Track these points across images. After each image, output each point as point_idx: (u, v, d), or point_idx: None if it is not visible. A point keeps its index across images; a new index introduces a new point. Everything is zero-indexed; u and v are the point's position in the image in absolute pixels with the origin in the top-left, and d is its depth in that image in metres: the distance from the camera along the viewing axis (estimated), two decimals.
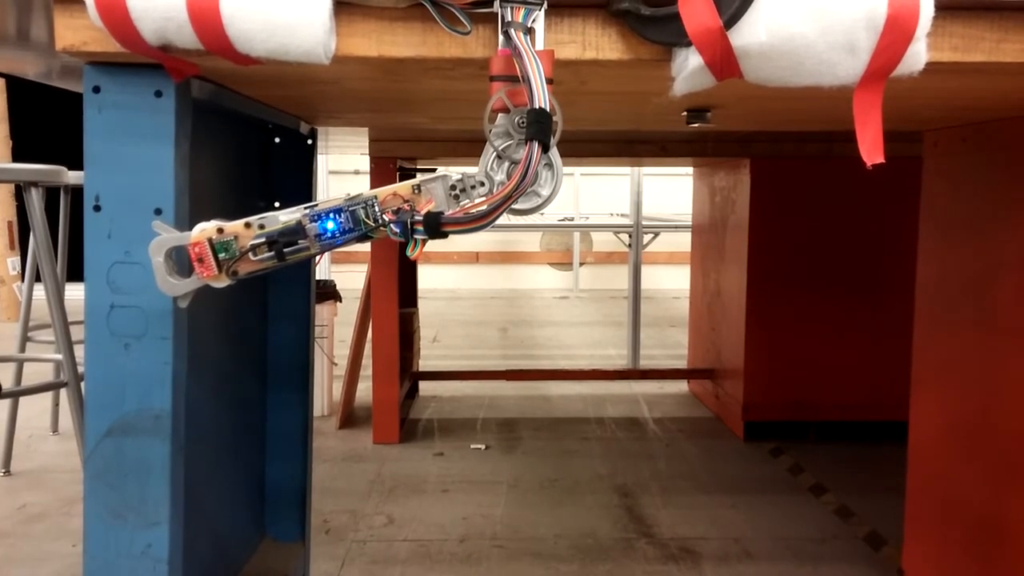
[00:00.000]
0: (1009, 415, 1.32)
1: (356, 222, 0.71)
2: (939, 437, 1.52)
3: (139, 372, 0.80)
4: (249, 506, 1.32)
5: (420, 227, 0.70)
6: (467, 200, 0.72)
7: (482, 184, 0.72)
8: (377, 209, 0.71)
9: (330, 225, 0.71)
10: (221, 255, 0.70)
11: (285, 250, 0.71)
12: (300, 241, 0.71)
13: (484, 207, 0.70)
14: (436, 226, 0.70)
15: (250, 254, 0.70)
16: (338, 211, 0.71)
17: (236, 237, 0.71)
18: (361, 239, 0.72)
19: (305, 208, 0.71)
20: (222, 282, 0.71)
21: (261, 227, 0.70)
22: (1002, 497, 1.35)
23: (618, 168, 6.55)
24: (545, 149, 0.70)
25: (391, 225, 0.70)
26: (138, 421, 0.80)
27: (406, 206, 0.71)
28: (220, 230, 0.70)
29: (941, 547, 1.52)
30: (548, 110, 0.69)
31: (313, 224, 0.71)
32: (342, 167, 6.77)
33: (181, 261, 0.72)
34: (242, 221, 0.71)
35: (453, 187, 0.72)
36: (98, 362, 0.80)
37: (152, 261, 0.71)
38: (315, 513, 2.04)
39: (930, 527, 1.56)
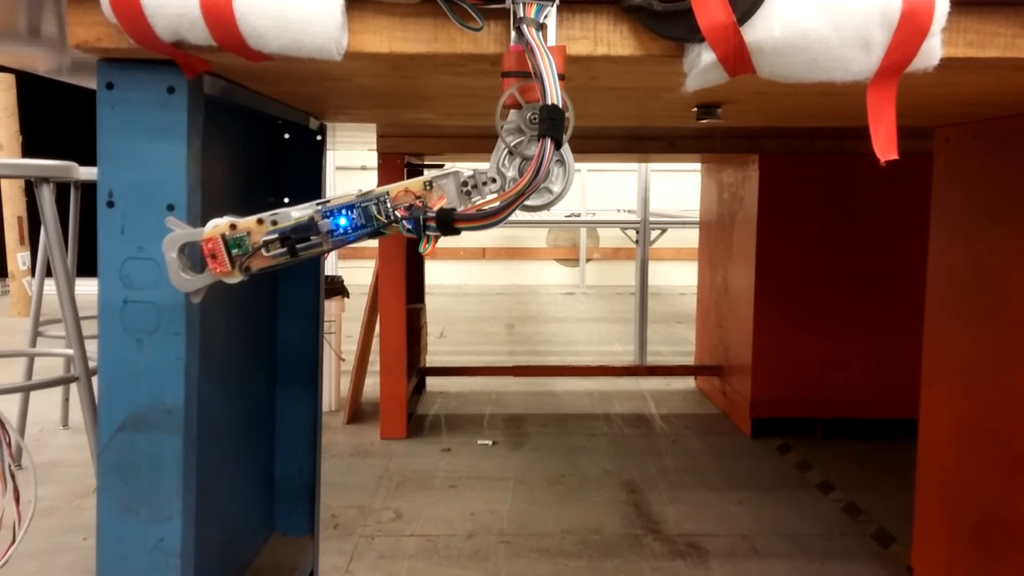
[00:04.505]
0: (1019, 413, 1.32)
1: (368, 218, 0.71)
2: (949, 434, 1.52)
3: (151, 367, 0.80)
4: (258, 501, 1.32)
5: (432, 223, 0.70)
6: (479, 196, 0.72)
7: (494, 180, 0.72)
8: (389, 205, 0.71)
9: (342, 221, 0.70)
10: (234, 251, 0.70)
11: (297, 246, 0.70)
12: (312, 237, 0.71)
13: (496, 203, 0.70)
14: (449, 222, 0.70)
15: (263, 250, 0.70)
16: (350, 207, 0.70)
17: (249, 233, 0.71)
18: (373, 235, 0.71)
19: (317, 204, 0.71)
20: (235, 278, 0.71)
21: (274, 223, 0.70)
22: (1012, 495, 1.34)
23: (625, 164, 6.54)
24: (557, 145, 0.69)
25: (403, 221, 0.70)
26: (150, 416, 0.80)
27: (418, 202, 0.71)
28: (233, 226, 0.70)
29: (950, 545, 1.52)
30: (560, 106, 0.68)
31: (325, 220, 0.70)
32: (349, 163, 6.78)
33: (194, 257, 0.72)
34: (254, 217, 0.71)
35: (465, 183, 0.72)
36: (111, 357, 0.80)
37: (165, 257, 0.71)
38: (323, 508, 2.05)
39: (939, 525, 1.56)
